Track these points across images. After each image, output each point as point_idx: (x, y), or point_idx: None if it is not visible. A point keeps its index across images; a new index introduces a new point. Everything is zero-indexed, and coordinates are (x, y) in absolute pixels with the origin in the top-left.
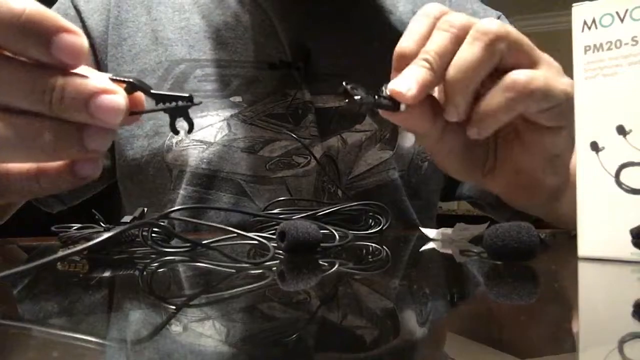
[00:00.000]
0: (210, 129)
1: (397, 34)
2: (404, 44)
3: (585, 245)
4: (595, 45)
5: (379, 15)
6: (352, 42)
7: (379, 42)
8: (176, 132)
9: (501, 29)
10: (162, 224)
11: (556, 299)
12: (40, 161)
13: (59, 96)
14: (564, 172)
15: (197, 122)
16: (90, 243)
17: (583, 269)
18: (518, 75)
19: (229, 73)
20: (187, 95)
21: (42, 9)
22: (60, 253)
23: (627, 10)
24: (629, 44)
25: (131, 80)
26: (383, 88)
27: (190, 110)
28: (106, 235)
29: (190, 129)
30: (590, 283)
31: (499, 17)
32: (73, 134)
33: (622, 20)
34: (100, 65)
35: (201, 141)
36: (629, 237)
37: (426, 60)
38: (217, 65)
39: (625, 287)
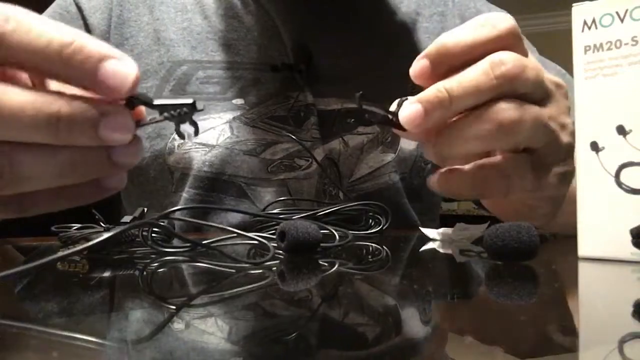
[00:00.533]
0: (213, 131)
1: (399, 35)
2: (452, 41)
3: (585, 245)
4: (595, 45)
5: (381, 17)
6: (355, 44)
7: (381, 44)
8: (183, 137)
9: (518, 67)
10: (162, 224)
11: (556, 299)
12: (71, 182)
13: (65, 128)
14: (563, 179)
15: (199, 124)
16: (90, 243)
17: (583, 269)
18: (506, 112)
19: (231, 75)
20: (189, 102)
21: (90, 39)
22: (60, 253)
23: (627, 10)
24: (629, 44)
25: (131, 96)
26: (395, 103)
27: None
28: (106, 235)
29: (196, 133)
30: (590, 283)
31: None
32: (102, 155)
33: (622, 20)
34: None
35: (203, 144)
36: (629, 237)
37: (449, 95)
38: (219, 67)
39: (625, 287)
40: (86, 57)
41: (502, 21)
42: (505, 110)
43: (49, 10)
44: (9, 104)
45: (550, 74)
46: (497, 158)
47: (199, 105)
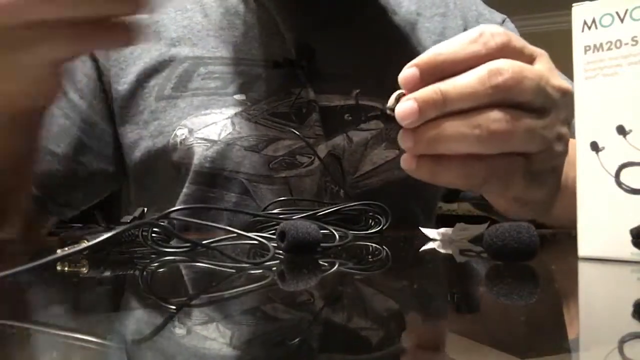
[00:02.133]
0: (214, 127)
1: (401, 34)
2: (444, 55)
3: (585, 245)
4: (595, 45)
5: (383, 14)
6: (357, 41)
7: (383, 41)
8: None
9: (515, 79)
10: (162, 224)
11: (556, 299)
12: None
13: None
14: (553, 183)
15: (201, 119)
16: (90, 243)
17: (583, 269)
18: (497, 123)
19: (232, 71)
20: None
21: None
22: (60, 253)
23: (627, 10)
24: (629, 44)
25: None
26: (393, 97)
27: (194, 109)
28: (106, 235)
29: None
30: (590, 283)
31: (503, 21)
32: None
33: (622, 20)
34: (102, 72)
35: (205, 139)
36: (629, 237)
37: (443, 98)
38: (220, 63)
39: (625, 287)
40: None
41: (495, 37)
42: (497, 121)
43: None
44: None
45: (559, 79)
46: (490, 156)
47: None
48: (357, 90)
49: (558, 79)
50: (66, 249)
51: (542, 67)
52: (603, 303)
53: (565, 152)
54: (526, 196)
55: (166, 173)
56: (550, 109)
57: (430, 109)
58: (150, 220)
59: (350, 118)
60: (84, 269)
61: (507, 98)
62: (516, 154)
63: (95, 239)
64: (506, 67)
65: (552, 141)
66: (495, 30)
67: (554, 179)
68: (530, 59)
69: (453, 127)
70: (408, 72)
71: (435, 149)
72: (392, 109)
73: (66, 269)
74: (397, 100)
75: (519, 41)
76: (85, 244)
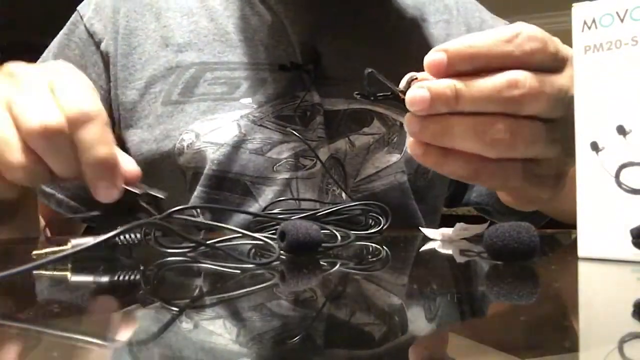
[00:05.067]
0: (221, 130)
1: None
2: (476, 47)
3: (585, 245)
4: (595, 45)
5: (388, 19)
6: (362, 45)
7: (388, 46)
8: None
9: (532, 95)
10: (165, 223)
11: (556, 299)
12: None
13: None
14: (556, 185)
15: (208, 124)
16: (91, 243)
17: (583, 269)
18: (502, 133)
19: (238, 75)
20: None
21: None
22: (61, 253)
23: (627, 10)
24: (629, 44)
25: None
26: (405, 79)
27: (201, 114)
28: (107, 235)
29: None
30: (590, 283)
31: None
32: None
33: (622, 20)
34: (111, 78)
35: (212, 142)
36: (629, 237)
37: (457, 96)
38: (226, 68)
39: (625, 287)
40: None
41: (530, 42)
42: (501, 131)
43: (60, 37)
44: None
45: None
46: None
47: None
48: (370, 70)
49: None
50: (67, 249)
51: (569, 73)
52: (603, 303)
53: (573, 162)
54: (529, 195)
55: (170, 176)
56: (568, 119)
57: (441, 102)
58: (152, 220)
59: (359, 96)
60: (84, 269)
61: (520, 111)
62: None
63: (96, 238)
64: (525, 81)
65: (561, 151)
66: (532, 32)
67: (558, 181)
68: (563, 63)
69: (460, 125)
70: (436, 55)
71: (439, 142)
72: (403, 92)
73: (70, 266)
74: (409, 83)
75: (553, 45)
76: (85, 244)
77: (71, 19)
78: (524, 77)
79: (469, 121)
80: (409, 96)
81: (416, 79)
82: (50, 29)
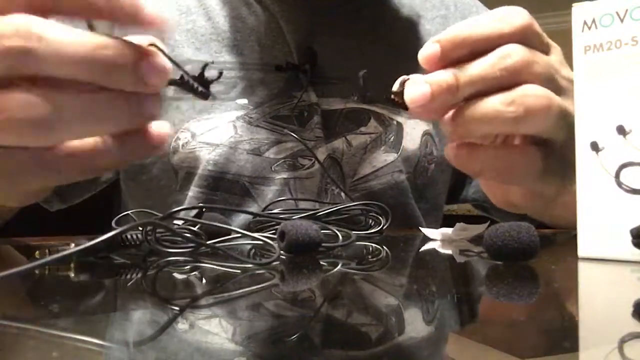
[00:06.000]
0: (217, 130)
1: (402, 37)
2: (466, 32)
3: (585, 245)
4: (595, 45)
5: (384, 18)
6: (359, 44)
7: (384, 45)
8: (205, 97)
9: (524, 62)
10: (165, 224)
11: (556, 299)
12: (104, 132)
13: (107, 65)
14: (564, 176)
15: (204, 124)
16: (91, 243)
17: (583, 269)
18: (535, 98)
19: (235, 75)
20: (203, 91)
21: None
22: (62, 253)
23: (627, 10)
24: (629, 44)
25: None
26: (398, 82)
27: (196, 112)
28: (107, 235)
29: (207, 95)
30: (590, 283)
31: None
32: (134, 102)
33: (622, 20)
34: None
35: (208, 143)
36: (629, 237)
37: (457, 83)
38: (223, 68)
39: (625, 287)
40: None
41: (518, 17)
42: (534, 96)
43: None
44: (53, 38)
45: (569, 71)
46: (524, 144)
47: (209, 73)
48: (364, 71)
49: (568, 70)
50: (67, 249)
51: (554, 58)
52: (603, 303)
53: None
54: (541, 188)
55: (159, 175)
56: (563, 97)
57: (443, 93)
58: (152, 220)
59: (355, 99)
60: (85, 269)
61: (517, 79)
62: (539, 143)
63: (96, 239)
64: (515, 51)
65: (567, 132)
66: (519, 10)
67: (565, 174)
68: (546, 47)
69: (489, 106)
70: (429, 47)
71: (473, 132)
72: (397, 94)
73: (67, 269)
74: (402, 85)
75: (537, 26)
76: (85, 244)
77: None
78: (513, 48)
79: (498, 96)
80: (408, 94)
81: (408, 78)
82: None
